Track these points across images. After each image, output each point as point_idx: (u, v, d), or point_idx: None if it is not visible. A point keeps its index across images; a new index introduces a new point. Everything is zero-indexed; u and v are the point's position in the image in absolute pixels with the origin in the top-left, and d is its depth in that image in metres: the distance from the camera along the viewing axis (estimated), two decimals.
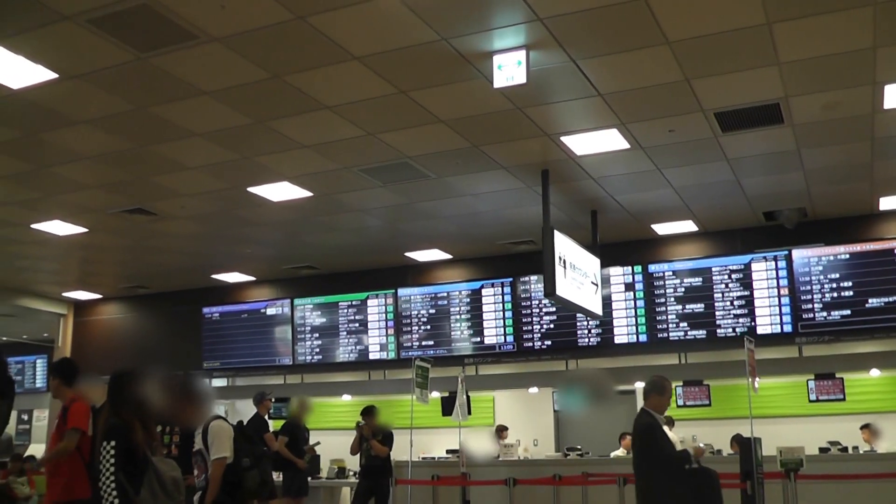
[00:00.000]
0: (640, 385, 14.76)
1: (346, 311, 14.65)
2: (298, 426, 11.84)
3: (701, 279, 12.47)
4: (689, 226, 12.47)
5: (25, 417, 22.36)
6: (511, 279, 13.55)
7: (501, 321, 13.53)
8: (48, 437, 7.97)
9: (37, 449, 17.89)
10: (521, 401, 16.09)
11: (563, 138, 8.99)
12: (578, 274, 10.62)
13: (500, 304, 13.57)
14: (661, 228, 12.56)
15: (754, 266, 12.25)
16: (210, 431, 6.65)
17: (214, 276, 15.50)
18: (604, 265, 11.82)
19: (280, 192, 10.61)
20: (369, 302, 14.49)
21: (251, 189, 10.53)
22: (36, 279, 16.08)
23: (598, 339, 12.95)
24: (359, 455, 11.59)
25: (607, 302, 12.41)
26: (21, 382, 22.12)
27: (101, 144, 9.12)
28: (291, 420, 11.87)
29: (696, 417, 14.06)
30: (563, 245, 10.18)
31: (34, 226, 12.20)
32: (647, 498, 7.36)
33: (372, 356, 14.41)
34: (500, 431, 14.31)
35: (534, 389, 15.30)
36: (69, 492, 6.89)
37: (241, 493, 6.46)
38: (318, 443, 13.04)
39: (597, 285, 11.37)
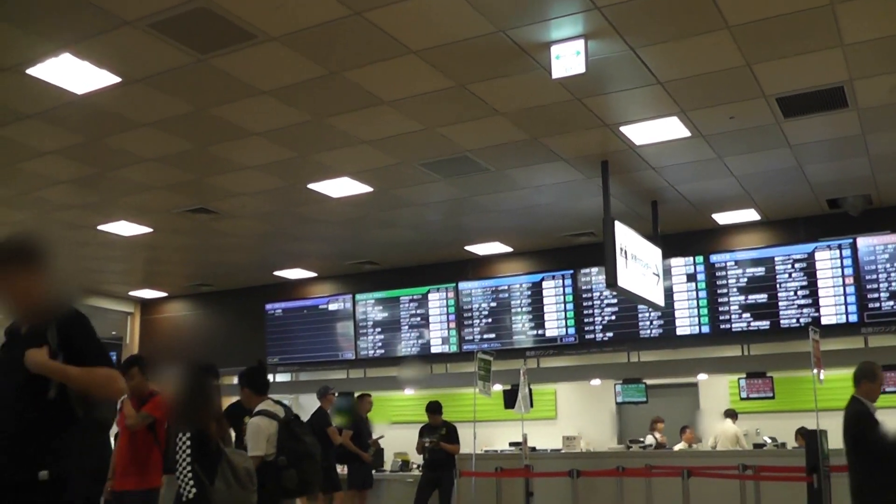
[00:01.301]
0: (702, 377, 14.71)
1: (407, 305, 14.70)
2: (363, 420, 11.93)
3: (763, 269, 12.31)
4: (750, 215, 12.31)
5: None
6: (572, 271, 13.49)
7: (563, 313, 13.48)
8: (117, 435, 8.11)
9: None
10: (583, 393, 16.05)
11: (622, 128, 8.92)
12: (640, 265, 10.56)
13: (562, 297, 13.52)
14: (723, 218, 12.42)
15: (818, 255, 12.06)
16: (248, 428, 6.65)
17: (277, 273, 15.64)
18: (665, 256, 11.74)
19: (340, 188, 10.67)
20: (430, 296, 14.52)
21: (311, 186, 10.61)
22: (104, 279, 16.37)
23: (660, 331, 12.85)
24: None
25: (669, 293, 12.28)
26: None
27: (162, 146, 9.26)
28: (355, 414, 11.95)
29: (760, 410, 13.93)
30: (624, 236, 10.13)
31: (100, 227, 12.43)
32: (861, 493, 6.54)
33: (434, 350, 14.44)
34: (655, 423, 14.24)
35: (595, 381, 15.25)
36: (144, 480, 7.12)
37: (277, 493, 6.39)
38: (381, 436, 13.14)
39: (658, 276, 11.30)
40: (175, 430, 5.59)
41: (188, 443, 5.44)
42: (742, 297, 12.35)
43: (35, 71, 7.28)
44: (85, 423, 3.72)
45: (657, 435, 14.12)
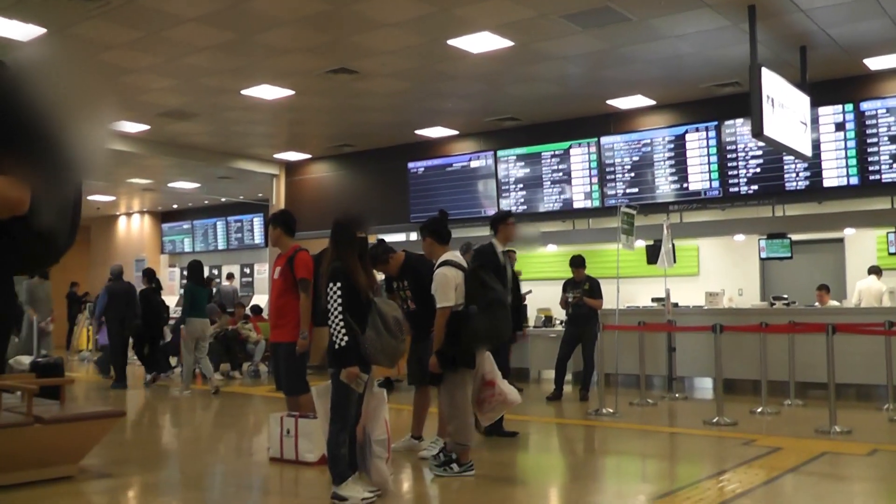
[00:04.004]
0: (849, 232, 14.33)
1: (549, 161, 14.64)
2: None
3: None
4: None
5: (248, 271, 23.71)
6: (716, 123, 13.14)
7: (706, 166, 13.20)
8: (269, 289, 8.46)
9: (259, 299, 18.98)
10: (726, 249, 15.85)
11: None
12: (787, 113, 10.23)
13: (705, 149, 13.23)
14: (875, 63, 11.79)
15: None
16: (434, 279, 6.72)
17: (418, 132, 15.73)
18: (813, 104, 11.33)
19: (480, 43, 10.58)
20: (572, 151, 14.41)
21: (451, 42, 10.54)
22: (249, 143, 16.81)
23: (807, 183, 12.46)
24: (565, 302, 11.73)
25: (816, 144, 11.88)
26: (241, 239, 23.39)
27: (302, 7, 9.31)
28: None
29: None
30: (772, 83, 9.80)
31: (244, 92, 12.70)
32: None
33: (576, 205, 14.40)
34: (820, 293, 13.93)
35: (739, 237, 15.02)
36: (297, 333, 7.41)
37: (469, 342, 6.49)
38: (529, 291, 13.29)
39: (805, 125, 10.94)
40: (325, 281, 5.78)
41: (339, 293, 5.64)
42: (893, 147, 11.84)
43: None
44: None
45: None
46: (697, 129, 13.31)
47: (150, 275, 14.93)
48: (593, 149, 14.20)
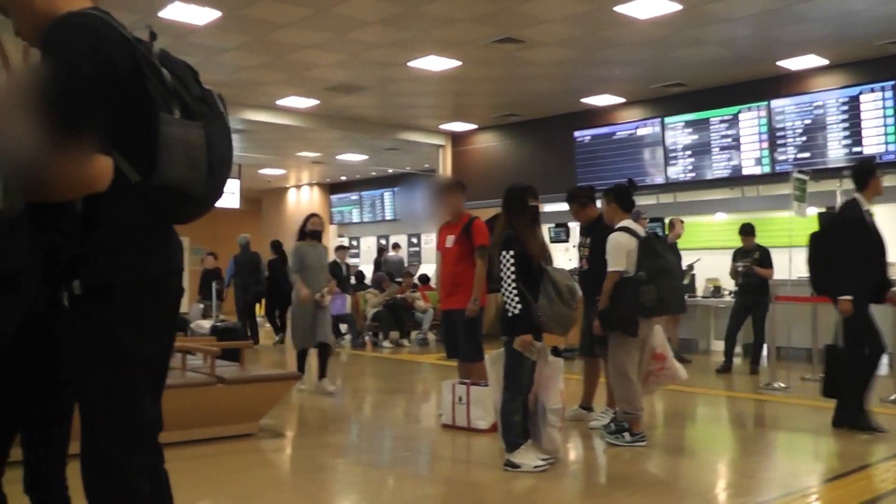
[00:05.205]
0: None
1: (717, 126, 14.28)
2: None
3: None
4: None
5: (414, 241, 24.07)
6: (893, 82, 12.52)
7: (882, 128, 12.61)
8: (438, 259, 8.58)
9: (427, 269, 19.27)
10: None
11: None
12: None
13: (881, 110, 12.63)
14: None
15: None
16: (608, 243, 6.73)
17: (583, 100, 15.60)
18: None
19: (647, 8, 10.40)
20: (741, 116, 14.02)
21: (617, 8, 10.41)
22: (415, 114, 17.03)
23: None
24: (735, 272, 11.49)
25: None
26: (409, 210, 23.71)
27: None
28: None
29: None
30: None
31: (410, 63, 12.87)
32: None
33: (745, 172, 14.03)
34: None
35: None
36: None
37: (634, 309, 6.45)
38: (698, 259, 13.08)
39: None
40: (497, 250, 5.85)
41: (511, 261, 5.69)
42: None
43: None
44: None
45: None
46: (872, 90, 12.71)
47: (276, 246, 15.77)
48: (763, 113, 13.77)
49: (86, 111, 2.22)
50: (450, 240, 7.76)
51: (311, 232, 9.62)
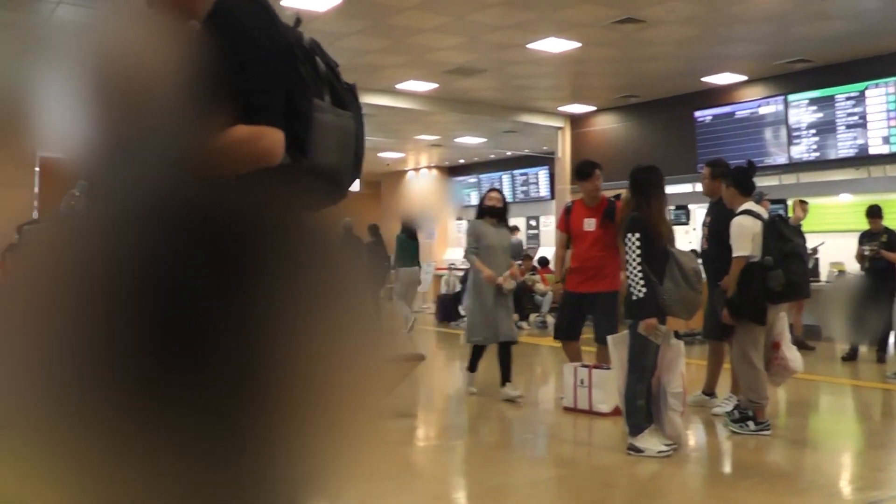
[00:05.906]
0: None
1: (843, 104, 13.91)
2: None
3: None
4: None
5: (533, 223, 24.08)
6: None
7: None
8: (557, 241, 8.58)
9: (546, 251, 19.27)
10: None
11: None
12: None
13: None
14: None
15: None
16: (731, 227, 6.63)
17: (704, 79, 15.38)
18: None
19: None
20: (868, 93, 13.61)
21: None
22: (533, 96, 17.04)
23: None
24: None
25: None
26: (527, 192, 23.71)
27: None
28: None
29: None
30: None
31: (529, 45, 12.90)
32: None
33: (872, 151, 13.64)
34: None
35: None
36: (611, 283, 7.56)
37: (762, 295, 6.35)
38: (822, 242, 12.81)
39: None
40: (623, 232, 5.86)
41: (637, 244, 5.70)
42: None
43: None
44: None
45: None
46: None
47: (374, 230, 15.84)
48: (892, 89, 13.34)
49: (276, 84, 2.17)
50: (589, 223, 7.65)
51: (488, 209, 8.41)
